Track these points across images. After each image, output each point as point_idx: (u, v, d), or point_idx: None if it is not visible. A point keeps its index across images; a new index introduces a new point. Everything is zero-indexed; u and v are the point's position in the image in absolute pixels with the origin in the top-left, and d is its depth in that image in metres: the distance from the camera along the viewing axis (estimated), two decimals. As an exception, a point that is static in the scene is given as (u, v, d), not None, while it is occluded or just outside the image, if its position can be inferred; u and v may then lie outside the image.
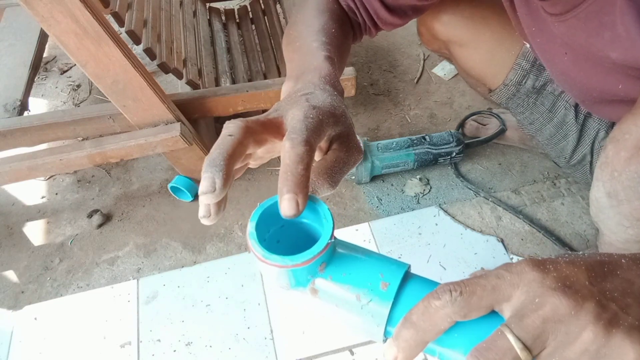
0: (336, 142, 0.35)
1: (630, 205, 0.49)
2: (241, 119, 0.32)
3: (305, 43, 0.47)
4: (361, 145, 0.37)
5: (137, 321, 0.82)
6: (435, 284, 0.30)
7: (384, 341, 0.30)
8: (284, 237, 0.34)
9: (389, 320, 0.28)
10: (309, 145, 0.30)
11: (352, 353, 0.76)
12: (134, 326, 0.82)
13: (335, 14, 0.54)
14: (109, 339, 0.80)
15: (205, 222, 0.32)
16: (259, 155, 0.36)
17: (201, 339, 0.79)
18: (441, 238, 0.88)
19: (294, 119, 0.32)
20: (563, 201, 0.93)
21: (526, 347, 0.24)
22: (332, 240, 0.30)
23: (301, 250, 0.29)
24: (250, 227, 0.30)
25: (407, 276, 0.30)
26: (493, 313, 0.26)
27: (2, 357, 0.80)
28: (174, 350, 0.78)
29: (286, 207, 0.29)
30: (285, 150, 0.30)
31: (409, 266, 0.31)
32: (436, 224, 0.90)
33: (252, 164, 0.38)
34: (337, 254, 0.31)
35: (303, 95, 0.36)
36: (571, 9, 0.48)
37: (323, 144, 0.36)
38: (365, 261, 0.31)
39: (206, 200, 0.30)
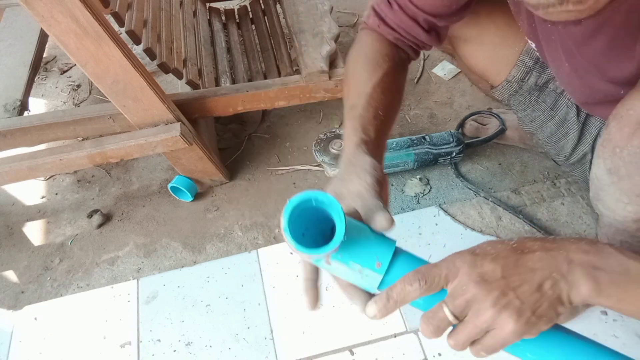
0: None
1: (630, 181, 0.49)
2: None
3: (351, 117, 0.56)
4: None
5: (137, 321, 0.82)
6: (414, 258, 0.44)
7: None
8: (305, 219, 0.41)
9: (380, 285, 0.42)
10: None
11: (352, 353, 0.76)
12: (134, 326, 0.82)
13: (387, 63, 0.61)
14: (109, 339, 0.80)
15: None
16: None
17: (201, 339, 0.79)
18: (441, 238, 0.88)
19: None
20: (563, 201, 0.93)
21: (456, 317, 0.39)
22: (344, 239, 0.38)
23: (320, 226, 0.42)
24: (284, 223, 0.37)
25: (396, 252, 0.43)
26: (443, 290, 0.41)
27: (2, 357, 0.80)
28: (174, 350, 0.78)
29: None
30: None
31: (396, 242, 0.44)
32: (436, 224, 0.90)
33: None
34: (345, 240, 0.38)
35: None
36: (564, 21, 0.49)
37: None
38: (365, 245, 0.42)
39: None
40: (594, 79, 0.57)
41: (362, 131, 0.54)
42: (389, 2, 0.63)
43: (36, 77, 1.07)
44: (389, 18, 0.63)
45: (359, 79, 0.60)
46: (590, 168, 0.74)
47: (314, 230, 0.42)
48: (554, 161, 0.84)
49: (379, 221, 0.42)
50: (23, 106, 0.92)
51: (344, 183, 0.47)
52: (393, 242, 0.43)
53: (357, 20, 1.41)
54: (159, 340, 0.80)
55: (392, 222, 0.43)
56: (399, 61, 0.64)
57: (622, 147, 0.48)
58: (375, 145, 0.52)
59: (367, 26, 0.65)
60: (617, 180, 0.51)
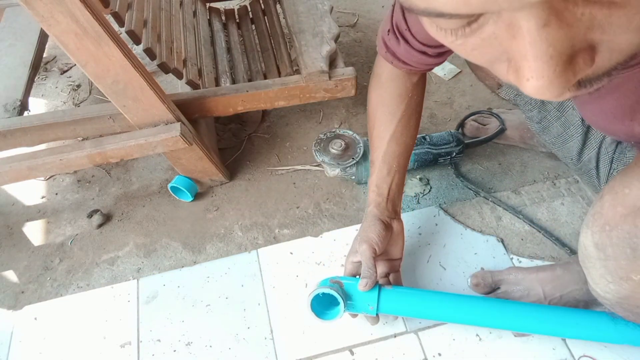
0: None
1: (616, 263, 0.47)
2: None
3: (371, 173, 0.74)
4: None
5: (137, 321, 0.82)
6: (393, 291, 0.67)
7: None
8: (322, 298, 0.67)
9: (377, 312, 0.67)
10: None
11: (352, 353, 0.76)
12: (134, 326, 0.82)
13: (403, 105, 0.71)
14: (109, 339, 0.81)
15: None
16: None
17: (201, 339, 0.79)
18: (441, 238, 0.88)
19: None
20: (563, 201, 0.93)
21: None
22: (344, 309, 0.65)
23: (329, 298, 0.66)
24: (310, 308, 0.66)
25: (380, 292, 0.66)
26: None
27: (2, 357, 0.80)
28: (174, 350, 0.78)
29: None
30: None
31: (380, 286, 0.66)
32: (436, 224, 0.90)
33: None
34: (346, 303, 0.65)
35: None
36: None
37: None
38: (359, 297, 0.65)
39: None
40: (599, 128, 0.56)
41: (377, 192, 0.71)
42: (396, 37, 0.65)
43: (36, 77, 1.07)
44: (400, 53, 0.66)
45: (378, 132, 0.72)
46: (596, 174, 0.74)
47: (325, 297, 0.66)
48: (566, 164, 0.83)
49: (360, 285, 0.64)
50: (23, 106, 0.92)
51: (359, 243, 0.67)
52: (376, 287, 0.66)
53: (357, 20, 1.42)
54: (159, 340, 0.80)
55: (365, 287, 0.64)
56: (415, 89, 0.73)
57: (613, 227, 0.46)
58: (387, 201, 0.71)
59: (382, 55, 0.71)
60: (603, 257, 0.48)
